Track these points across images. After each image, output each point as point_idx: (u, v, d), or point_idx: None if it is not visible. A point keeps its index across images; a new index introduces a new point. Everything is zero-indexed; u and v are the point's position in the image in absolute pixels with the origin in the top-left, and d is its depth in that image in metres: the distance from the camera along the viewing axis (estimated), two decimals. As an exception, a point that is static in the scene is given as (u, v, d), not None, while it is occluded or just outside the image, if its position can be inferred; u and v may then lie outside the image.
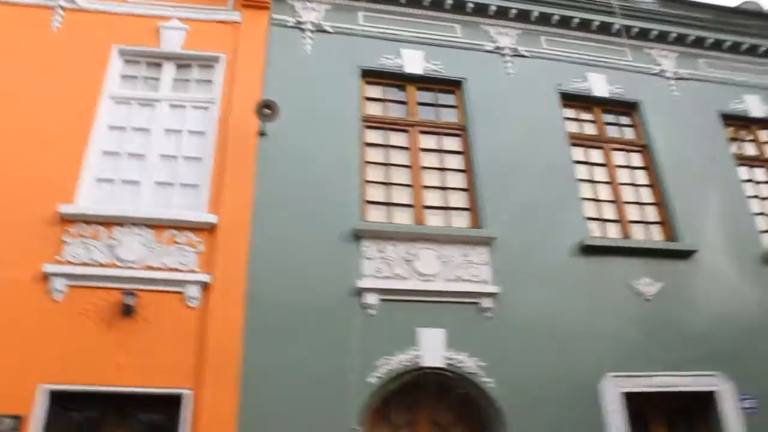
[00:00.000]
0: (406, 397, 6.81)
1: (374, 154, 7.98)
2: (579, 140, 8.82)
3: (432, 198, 7.83)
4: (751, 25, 10.61)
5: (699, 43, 10.20)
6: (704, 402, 7.47)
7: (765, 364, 7.72)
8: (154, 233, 6.84)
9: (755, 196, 9.19)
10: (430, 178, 7.97)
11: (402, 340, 6.75)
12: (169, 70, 8.15)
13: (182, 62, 8.20)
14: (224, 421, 6.00)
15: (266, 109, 7.40)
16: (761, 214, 9.06)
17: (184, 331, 6.40)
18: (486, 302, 7.11)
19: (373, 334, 6.69)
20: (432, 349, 6.75)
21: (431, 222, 7.63)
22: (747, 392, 7.44)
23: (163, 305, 6.47)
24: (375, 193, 7.69)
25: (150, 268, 6.65)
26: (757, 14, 11.12)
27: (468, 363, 6.77)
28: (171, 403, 6.11)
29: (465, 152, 8.23)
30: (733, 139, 9.67)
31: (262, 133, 7.53)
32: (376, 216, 7.53)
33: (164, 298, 6.51)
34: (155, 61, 8.17)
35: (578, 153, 8.71)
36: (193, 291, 6.59)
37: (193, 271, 6.72)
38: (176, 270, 6.69)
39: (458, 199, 7.91)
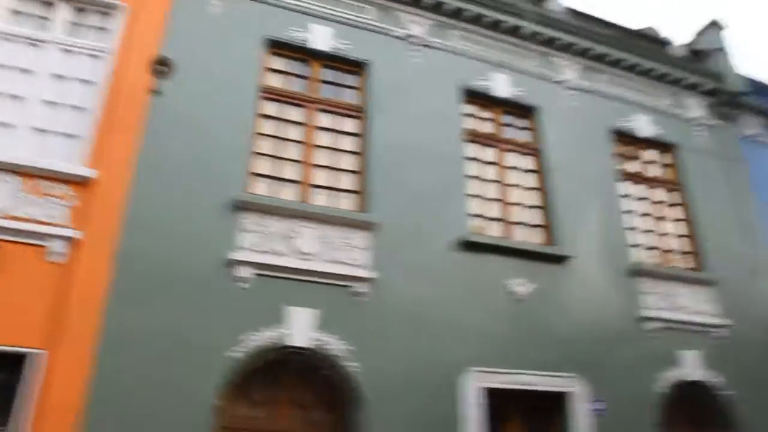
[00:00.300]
0: (269, 375, 6.77)
1: (268, 127, 7.84)
2: (474, 137, 8.97)
3: (321, 177, 7.78)
4: (648, 48, 11.09)
5: (600, 58, 10.57)
6: (559, 402, 7.80)
7: (619, 370, 8.16)
8: (22, 181, 6.46)
9: (631, 212, 9.63)
10: (322, 157, 7.91)
11: (271, 316, 6.68)
12: (64, 12, 7.70)
13: (80, 5, 7.75)
14: (74, 385, 5.77)
15: (162, 66, 7.09)
16: (634, 229, 9.51)
17: (43, 287, 6.08)
18: (361, 287, 7.14)
19: (242, 308, 6.60)
20: (301, 328, 6.71)
21: (317, 201, 7.58)
22: (599, 395, 7.83)
23: (23, 258, 6.10)
24: (263, 166, 7.56)
25: (13, 218, 6.25)
26: (655, 39, 11.65)
27: (336, 346, 6.79)
28: (18, 363, 5.81)
29: (361, 135, 8.21)
30: (619, 155, 10.08)
31: (155, 91, 7.21)
32: (261, 189, 7.41)
33: (25, 251, 6.14)
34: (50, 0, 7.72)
35: (472, 149, 8.86)
36: (58, 246, 6.27)
37: (60, 225, 6.38)
38: (42, 222, 6.32)
39: (348, 182, 7.89)
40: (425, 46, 9.17)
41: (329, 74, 8.56)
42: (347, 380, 6.80)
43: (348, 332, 6.89)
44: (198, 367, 6.22)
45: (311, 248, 7.11)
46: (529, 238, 8.63)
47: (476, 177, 8.70)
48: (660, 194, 10.19)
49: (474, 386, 7.22)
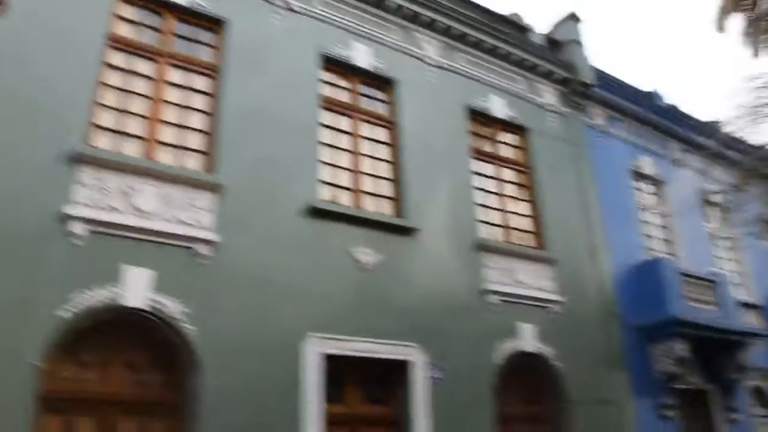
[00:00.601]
0: (101, 336, 6.44)
1: (114, 78, 7.39)
2: (331, 105, 8.92)
3: (168, 134, 7.46)
4: (509, 33, 11.44)
5: (462, 38, 10.79)
6: (400, 370, 7.98)
7: (460, 340, 8.48)
8: None
9: (481, 189, 9.97)
10: (170, 114, 7.58)
11: (106, 275, 6.34)
12: None
13: None
14: None
15: (-6, 1, 6.52)
16: (482, 206, 9.85)
17: None
18: (204, 249, 6.93)
19: (74, 266, 6.22)
20: (137, 288, 6.43)
21: (162, 159, 7.26)
22: (438, 364, 8.09)
23: None
24: (106, 118, 7.13)
25: None
26: (517, 26, 12.05)
27: (173, 308, 6.56)
28: None
29: (214, 95, 7.93)
30: (473, 133, 10.37)
31: (-15, 31, 6.62)
32: (102, 142, 6.99)
33: None
34: None
35: (327, 117, 8.81)
36: None
37: None
38: None
39: (196, 141, 7.62)
40: (287, 9, 8.96)
41: (184, 29, 8.18)
42: (184, 343, 6.61)
43: (187, 295, 6.68)
44: (20, 326, 5.79)
45: (152, 207, 6.81)
46: (378, 209, 8.72)
47: (329, 145, 8.67)
48: (510, 174, 10.61)
49: (314, 352, 7.25)
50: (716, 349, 11.52)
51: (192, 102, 7.81)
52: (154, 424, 6.48)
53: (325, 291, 7.62)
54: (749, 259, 14.30)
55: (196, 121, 7.73)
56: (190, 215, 7.01)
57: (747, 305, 13.25)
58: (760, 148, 13.03)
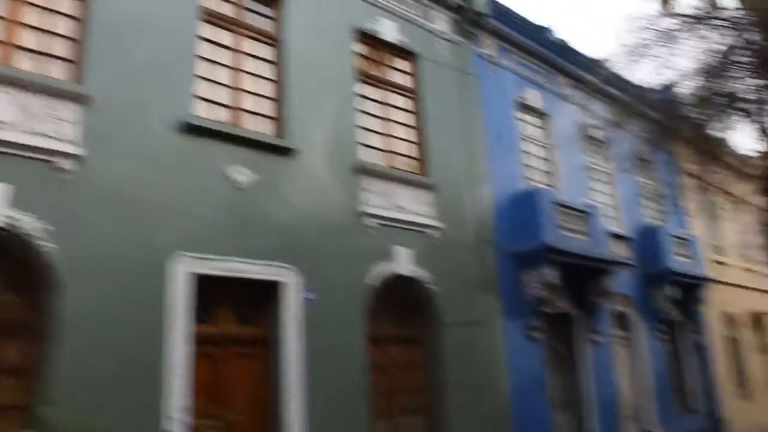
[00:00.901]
0: (-51, 253, 6.10)
1: (-37, -28, 6.75)
2: (212, 18, 8.49)
3: (29, 40, 6.91)
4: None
5: (356, -44, 10.46)
6: (273, 291, 8.00)
7: (335, 262, 8.58)
8: None
9: (365, 113, 9.92)
10: (32, 18, 6.99)
11: (-47, 188, 5.96)
12: None
13: None
14: None
15: None
16: (365, 129, 9.83)
17: None
18: (66, 164, 6.57)
19: None
20: (-11, 204, 6.08)
21: (21, 65, 6.75)
22: (311, 286, 8.17)
23: None
24: (-46, 18, 6.55)
25: None
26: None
27: (30, 224, 6.23)
28: None
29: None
30: (361, 56, 10.22)
31: None
32: (-51, 44, 6.44)
33: None
34: None
35: (208, 30, 8.41)
36: None
37: None
38: None
39: (61, 49, 7.10)
40: None
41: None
42: (43, 262, 6.33)
43: (47, 211, 6.36)
44: None
45: (8, 117, 6.33)
46: (258, 129, 8.51)
47: (208, 60, 8.30)
48: (395, 99, 10.59)
49: (183, 271, 7.14)
50: (584, 276, 12.23)
51: (58, 5, 7.22)
52: (9, 345, 6.24)
53: (196, 210, 7.45)
54: (621, 193, 15.07)
55: (62, 26, 7.18)
56: (52, 127, 6.59)
57: (617, 236, 14.05)
58: (638, 86, 13.55)
